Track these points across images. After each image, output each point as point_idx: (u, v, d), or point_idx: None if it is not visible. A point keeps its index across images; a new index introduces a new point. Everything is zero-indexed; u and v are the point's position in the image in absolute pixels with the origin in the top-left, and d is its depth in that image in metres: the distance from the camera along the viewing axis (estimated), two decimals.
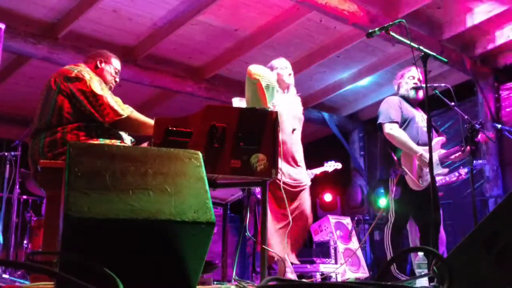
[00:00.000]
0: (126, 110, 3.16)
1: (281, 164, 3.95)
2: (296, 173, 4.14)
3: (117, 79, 3.56)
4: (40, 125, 3.14)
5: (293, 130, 4.19)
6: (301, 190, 4.13)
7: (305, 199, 4.15)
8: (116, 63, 3.54)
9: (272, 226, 3.91)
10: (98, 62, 3.44)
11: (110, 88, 3.42)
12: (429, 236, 4.05)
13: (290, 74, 4.42)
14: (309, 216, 4.18)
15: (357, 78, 7.64)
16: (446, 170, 4.65)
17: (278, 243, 3.90)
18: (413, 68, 4.65)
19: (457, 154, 4.60)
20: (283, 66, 4.45)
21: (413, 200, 4.38)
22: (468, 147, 4.44)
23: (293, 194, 4.06)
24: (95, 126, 3.12)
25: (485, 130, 5.33)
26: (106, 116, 3.09)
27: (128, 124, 3.19)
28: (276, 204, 3.98)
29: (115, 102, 3.15)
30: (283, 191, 3.74)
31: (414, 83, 4.65)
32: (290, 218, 3.82)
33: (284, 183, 3.91)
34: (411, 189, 4.39)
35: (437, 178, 4.87)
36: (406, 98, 4.66)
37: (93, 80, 3.17)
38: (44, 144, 3.05)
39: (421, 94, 4.64)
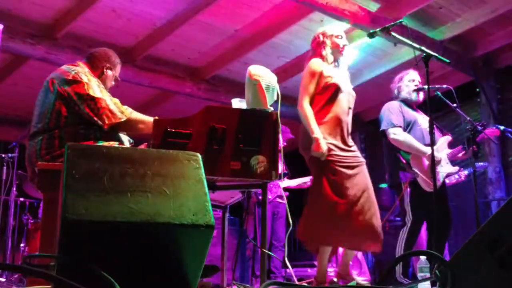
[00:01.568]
0: (125, 112, 3.13)
1: (334, 147, 3.71)
2: (348, 155, 3.79)
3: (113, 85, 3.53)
4: (37, 127, 3.10)
5: (349, 108, 3.90)
6: (358, 170, 3.78)
7: (365, 182, 3.80)
8: (119, 70, 3.51)
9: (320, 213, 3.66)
10: (104, 69, 3.39)
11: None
12: (438, 238, 4.02)
13: (344, 46, 4.02)
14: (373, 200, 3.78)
15: (358, 79, 7.60)
16: (456, 168, 4.62)
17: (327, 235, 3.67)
18: (411, 71, 4.66)
19: (463, 153, 4.60)
20: (337, 33, 4.02)
21: (426, 202, 4.34)
22: (471, 149, 4.42)
23: (350, 165, 3.75)
24: (93, 129, 3.08)
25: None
26: (106, 119, 3.06)
27: (129, 126, 3.16)
28: (330, 189, 3.65)
29: (114, 105, 3.11)
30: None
31: (415, 85, 4.63)
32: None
33: (339, 165, 3.68)
34: (424, 191, 4.36)
35: (446, 177, 4.82)
36: (406, 102, 4.64)
37: (91, 83, 3.12)
38: (42, 147, 3.02)
39: (421, 96, 4.63)
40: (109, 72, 3.41)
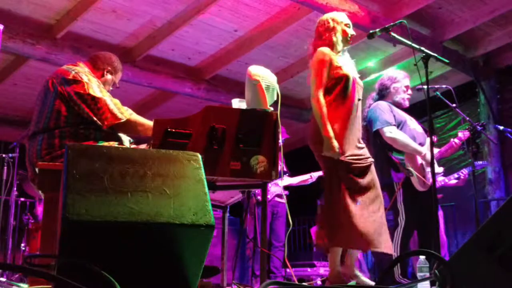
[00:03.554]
0: (125, 113, 3.13)
1: (347, 144, 3.54)
2: (360, 152, 3.62)
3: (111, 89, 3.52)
4: (37, 127, 3.10)
5: (359, 100, 3.69)
6: (370, 165, 3.63)
7: (375, 175, 3.66)
8: (119, 76, 3.51)
9: (357, 211, 3.44)
10: (105, 72, 3.39)
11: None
12: (430, 238, 4.02)
13: (352, 36, 3.79)
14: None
15: None
16: (441, 169, 4.64)
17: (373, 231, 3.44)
18: (407, 77, 4.67)
19: (449, 151, 4.63)
20: (347, 21, 3.78)
21: (419, 201, 4.35)
22: (459, 141, 4.48)
23: (363, 169, 3.57)
24: (93, 129, 3.08)
25: (487, 131, 5.33)
26: (105, 119, 3.06)
27: (127, 127, 3.16)
28: (347, 188, 3.50)
29: (115, 105, 3.11)
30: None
31: (408, 94, 4.65)
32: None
33: (352, 161, 3.52)
34: (416, 191, 4.37)
35: (438, 179, 4.85)
36: (395, 104, 4.63)
37: (91, 83, 3.12)
38: (42, 147, 3.02)
39: (407, 103, 4.67)
40: (109, 76, 3.41)
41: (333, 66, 3.61)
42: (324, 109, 3.51)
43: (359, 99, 3.69)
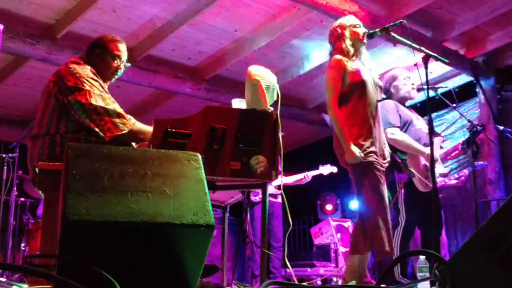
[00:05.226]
0: (127, 124, 3.04)
1: (375, 145, 3.61)
2: (384, 153, 3.73)
3: (121, 66, 3.33)
4: (39, 131, 3.07)
5: (377, 101, 3.75)
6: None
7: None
8: (115, 47, 3.31)
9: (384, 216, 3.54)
10: (91, 56, 3.27)
11: (110, 80, 3.32)
12: (432, 238, 4.02)
13: (364, 34, 3.78)
14: None
15: None
16: (447, 169, 4.63)
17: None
18: (402, 69, 4.66)
19: (456, 152, 4.62)
20: (355, 22, 3.82)
21: (421, 202, 4.35)
22: (470, 148, 4.44)
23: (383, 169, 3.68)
24: (95, 135, 3.02)
25: (487, 131, 5.32)
26: (108, 131, 2.98)
27: (129, 137, 3.07)
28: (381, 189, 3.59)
29: (117, 116, 3.02)
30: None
31: (412, 84, 4.63)
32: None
33: (382, 165, 3.63)
34: (418, 191, 4.36)
35: (438, 179, 4.85)
36: (401, 101, 4.62)
37: (93, 90, 3.02)
38: (43, 151, 3.00)
39: (415, 93, 4.64)
40: (101, 60, 3.26)
41: (348, 71, 3.67)
42: (341, 120, 3.61)
43: (378, 100, 3.77)
